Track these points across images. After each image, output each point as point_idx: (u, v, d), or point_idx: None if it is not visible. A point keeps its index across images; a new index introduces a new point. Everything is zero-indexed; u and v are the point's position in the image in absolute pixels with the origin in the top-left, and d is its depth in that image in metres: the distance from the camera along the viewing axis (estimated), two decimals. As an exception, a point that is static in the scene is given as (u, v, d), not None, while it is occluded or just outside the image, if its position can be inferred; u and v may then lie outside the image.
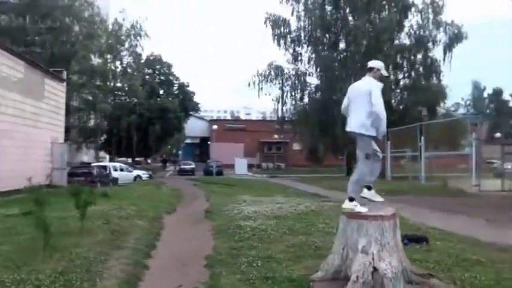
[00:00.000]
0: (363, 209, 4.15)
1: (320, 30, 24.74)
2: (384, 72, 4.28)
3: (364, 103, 4.10)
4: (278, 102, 27.64)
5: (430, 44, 24.09)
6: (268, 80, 27.20)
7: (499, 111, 66.43)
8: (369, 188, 4.35)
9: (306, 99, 26.77)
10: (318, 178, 24.66)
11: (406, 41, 25.41)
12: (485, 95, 70.74)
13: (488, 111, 66.45)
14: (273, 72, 26.97)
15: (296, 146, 44.05)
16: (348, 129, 4.25)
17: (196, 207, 11.22)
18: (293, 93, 26.90)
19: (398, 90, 26.03)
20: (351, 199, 4.22)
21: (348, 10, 23.91)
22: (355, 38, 21.76)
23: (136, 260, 4.88)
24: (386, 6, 23.90)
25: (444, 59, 23.81)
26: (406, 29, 24.83)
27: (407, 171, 19.76)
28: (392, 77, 25.45)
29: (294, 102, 27.11)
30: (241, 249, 5.47)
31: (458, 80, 75.88)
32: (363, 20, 21.61)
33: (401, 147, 20.09)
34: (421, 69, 25.39)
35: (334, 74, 23.92)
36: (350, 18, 24.24)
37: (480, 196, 12.95)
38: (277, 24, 26.04)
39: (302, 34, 25.80)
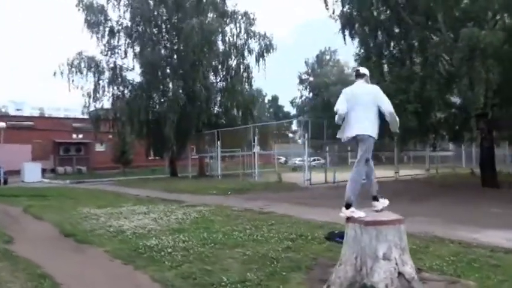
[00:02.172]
0: (362, 214, 4.07)
1: (143, 23, 23.22)
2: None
3: (372, 107, 4.04)
4: (90, 97, 24.40)
5: (246, 52, 26.10)
6: (78, 72, 23.68)
7: (276, 115, 78.97)
8: (376, 199, 4.26)
9: (126, 96, 24.59)
10: (141, 181, 23.04)
11: (224, 47, 26.73)
12: (266, 100, 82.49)
13: (267, 114, 77.89)
14: (84, 63, 23.59)
15: (100, 147, 40.14)
16: (359, 132, 4.03)
17: (36, 230, 8.58)
18: (110, 89, 24.30)
19: (215, 93, 27.11)
20: (348, 206, 4.07)
21: (174, 8, 23.27)
22: (186, 37, 21.34)
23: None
24: (209, 11, 24.55)
25: (258, 67, 26.27)
26: (224, 36, 26.10)
27: (238, 169, 20.87)
28: (212, 79, 26.54)
29: (111, 98, 24.50)
30: (197, 276, 4.48)
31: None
32: (196, 21, 21.44)
33: (230, 147, 21.09)
34: (235, 74, 27.21)
35: (159, 72, 22.84)
36: (174, 15, 23.71)
37: (313, 189, 14.93)
38: (92, 10, 22.94)
39: (121, 25, 23.62)
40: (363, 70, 4.37)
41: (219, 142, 20.56)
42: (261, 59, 25.99)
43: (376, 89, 4.16)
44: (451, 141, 17.50)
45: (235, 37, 26.59)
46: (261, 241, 6.08)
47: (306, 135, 15.18)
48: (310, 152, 31.64)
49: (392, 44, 14.20)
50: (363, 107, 4.07)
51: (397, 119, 4.15)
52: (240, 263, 4.93)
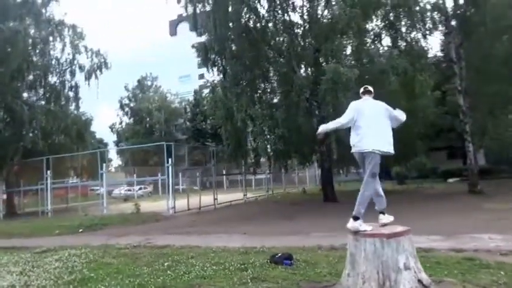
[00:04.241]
0: (368, 227, 4.09)
1: None
2: None
3: (387, 122, 4.15)
4: None
5: (77, 69, 23.04)
6: None
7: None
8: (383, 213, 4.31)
9: None
10: None
11: (43, 60, 22.87)
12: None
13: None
14: None
15: None
16: (380, 148, 4.03)
17: None
18: None
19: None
20: (356, 218, 4.05)
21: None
22: (6, 43, 17.00)
23: None
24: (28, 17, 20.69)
25: (89, 86, 23.36)
26: (47, 47, 22.42)
27: (70, 202, 17.75)
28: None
29: None
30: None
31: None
32: (22, 26, 17.42)
33: (60, 177, 17.81)
34: (57, 93, 23.53)
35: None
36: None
37: (179, 216, 13.99)
38: None
39: None
40: (371, 88, 4.45)
41: (49, 172, 17.01)
42: (92, 78, 23.34)
43: (384, 104, 4.32)
44: (301, 163, 19.58)
45: (59, 51, 23.27)
46: (212, 276, 5.27)
47: (170, 160, 14.22)
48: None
49: (248, 74, 14.92)
50: (379, 123, 4.13)
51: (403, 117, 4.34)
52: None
